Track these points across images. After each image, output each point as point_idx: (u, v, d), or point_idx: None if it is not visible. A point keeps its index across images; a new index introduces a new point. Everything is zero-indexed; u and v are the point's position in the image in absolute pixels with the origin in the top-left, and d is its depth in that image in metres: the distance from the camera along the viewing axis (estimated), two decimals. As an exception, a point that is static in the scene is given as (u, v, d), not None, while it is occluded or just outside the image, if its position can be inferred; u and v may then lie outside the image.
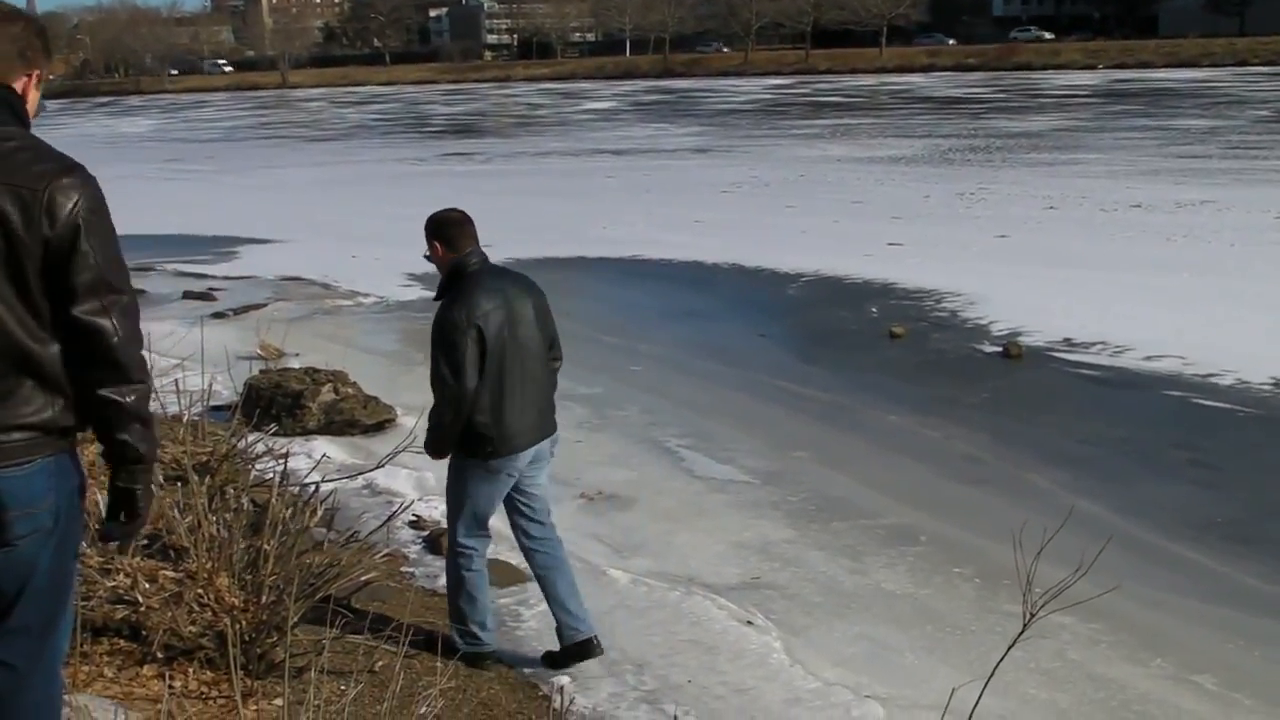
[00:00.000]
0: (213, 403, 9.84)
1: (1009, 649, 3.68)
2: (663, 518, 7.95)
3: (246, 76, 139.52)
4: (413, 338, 13.42)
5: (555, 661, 5.89)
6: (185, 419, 8.41)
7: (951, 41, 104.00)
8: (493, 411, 5.54)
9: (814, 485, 8.52)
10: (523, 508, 5.89)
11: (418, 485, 8.36)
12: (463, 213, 5.95)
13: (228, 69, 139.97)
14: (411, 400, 10.06)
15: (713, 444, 9.44)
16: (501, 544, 7.34)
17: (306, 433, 9.49)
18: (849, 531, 7.70)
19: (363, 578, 5.50)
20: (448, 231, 5.82)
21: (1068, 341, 12.16)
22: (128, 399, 2.97)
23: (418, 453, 7.74)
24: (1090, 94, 60.04)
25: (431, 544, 7.27)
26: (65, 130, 70.26)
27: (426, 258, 5.93)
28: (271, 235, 21.93)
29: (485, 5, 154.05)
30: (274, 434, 9.35)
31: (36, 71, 3.13)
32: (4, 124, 2.98)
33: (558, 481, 8.45)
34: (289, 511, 5.57)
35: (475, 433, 5.57)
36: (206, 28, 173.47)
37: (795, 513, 8.01)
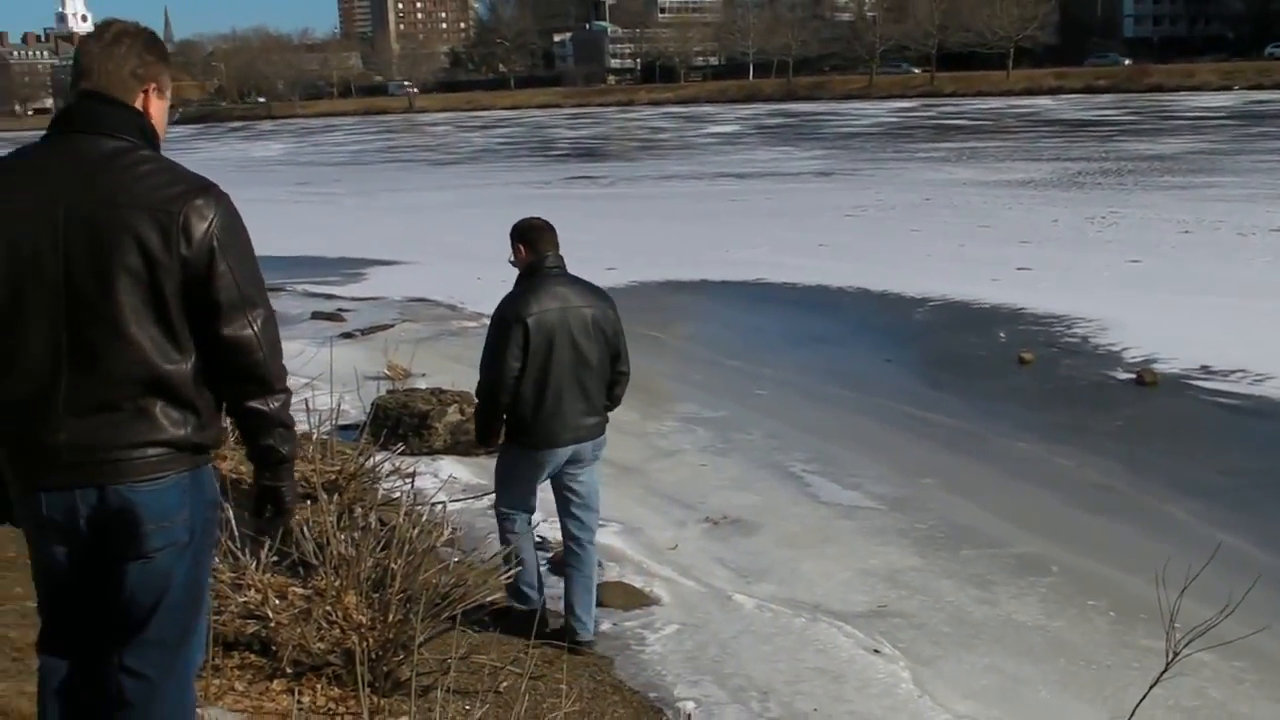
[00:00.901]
0: (341, 422, 9.96)
1: (1151, 688, 3.55)
2: (788, 543, 7.85)
3: (375, 101, 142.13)
4: (537, 359, 13.49)
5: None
6: (315, 438, 8.52)
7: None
8: (533, 406, 5.89)
9: (942, 512, 8.35)
10: (566, 502, 6.32)
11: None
12: (546, 221, 6.21)
13: (414, 90, 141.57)
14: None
15: (838, 469, 9.31)
16: (626, 566, 7.35)
17: (433, 452, 9.56)
18: (978, 560, 7.53)
19: (488, 599, 5.48)
20: (530, 235, 6.08)
21: (1205, 369, 11.81)
22: (271, 407, 3.08)
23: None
24: (1226, 115, 58.66)
25: (554, 565, 7.25)
26: (200, 154, 72.15)
27: (511, 262, 6.17)
28: (398, 257, 22.24)
29: (609, 30, 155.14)
30: (400, 453, 9.43)
31: (152, 84, 3.14)
32: (135, 147, 3.01)
33: (683, 505, 8.51)
34: (416, 531, 5.59)
35: (515, 422, 5.99)
36: (336, 54, 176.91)
37: (923, 540, 7.86)
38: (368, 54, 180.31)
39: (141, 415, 2.92)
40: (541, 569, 6.58)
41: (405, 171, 48.45)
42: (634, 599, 6.79)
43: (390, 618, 5.16)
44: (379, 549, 5.55)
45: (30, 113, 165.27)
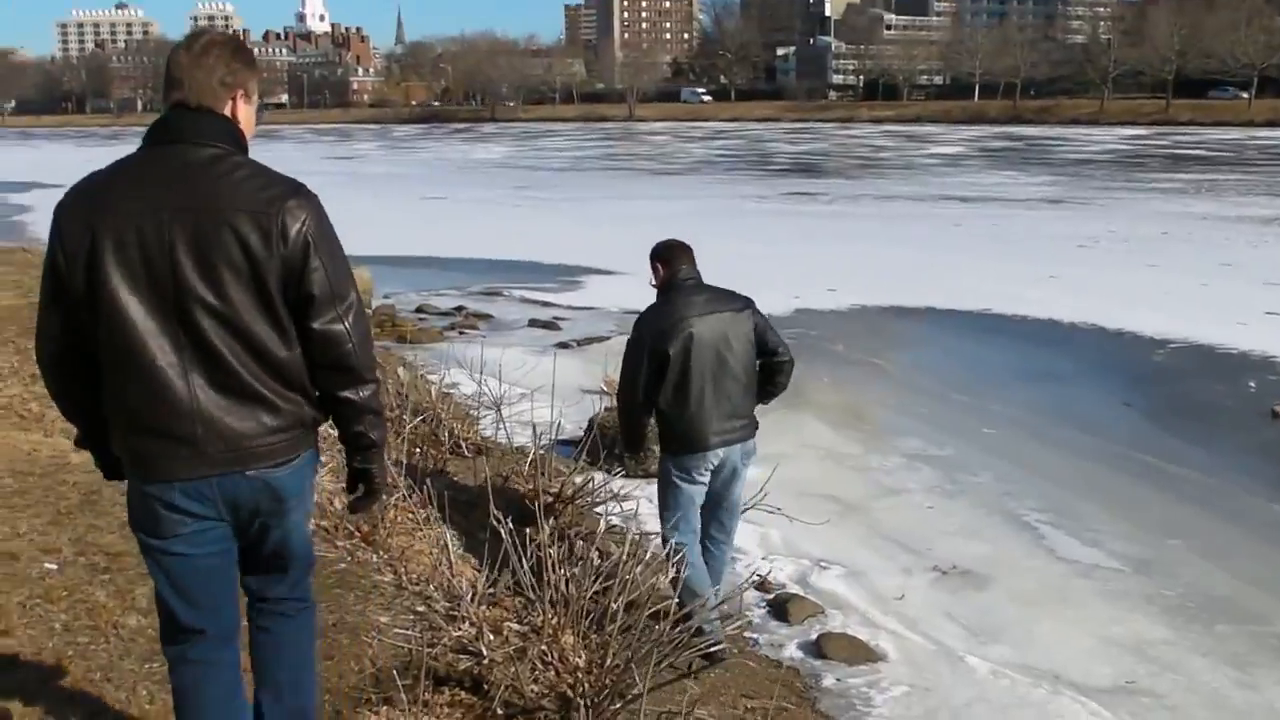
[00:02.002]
0: (558, 437, 9.79)
1: None
2: (1023, 601, 7.32)
3: (595, 108, 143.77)
4: (755, 381, 13.14)
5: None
6: (532, 454, 8.33)
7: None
8: (676, 414, 6.03)
9: (1192, 579, 7.72)
10: (711, 504, 6.23)
11: (762, 542, 8.00)
12: (681, 241, 6.39)
13: (706, 98, 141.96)
14: (761, 447, 9.84)
15: (1075, 522, 8.72)
16: (850, 615, 6.94)
17: (650, 476, 9.24)
18: (1235, 637, 6.90)
19: (714, 647, 5.14)
20: (666, 254, 6.28)
21: None
22: (361, 396, 3.28)
23: (767, 509, 7.47)
24: None
25: (777, 609, 6.89)
26: (423, 154, 74.08)
27: (652, 284, 6.37)
28: (615, 267, 22.13)
29: (833, 45, 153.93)
30: (617, 475, 9.20)
31: (240, 90, 3.28)
32: (229, 153, 3.18)
33: (910, 550, 8.06)
34: (639, 568, 5.29)
35: (661, 431, 6.19)
36: (559, 60, 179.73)
37: (1172, 609, 7.25)
38: (591, 61, 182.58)
39: (267, 402, 3.14)
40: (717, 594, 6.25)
41: (624, 180, 48.64)
42: (859, 653, 6.38)
43: (609, 661, 4.87)
44: (597, 582, 5.27)
45: (268, 107, 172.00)
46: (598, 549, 5.61)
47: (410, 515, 6.56)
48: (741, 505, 6.43)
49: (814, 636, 6.57)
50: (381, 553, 5.80)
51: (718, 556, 6.32)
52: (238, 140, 3.24)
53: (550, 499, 7.38)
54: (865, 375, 13.60)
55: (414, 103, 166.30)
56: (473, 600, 5.03)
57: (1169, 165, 52.85)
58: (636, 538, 6.07)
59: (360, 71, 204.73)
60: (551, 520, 6.85)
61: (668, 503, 6.21)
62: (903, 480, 9.67)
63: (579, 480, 8.06)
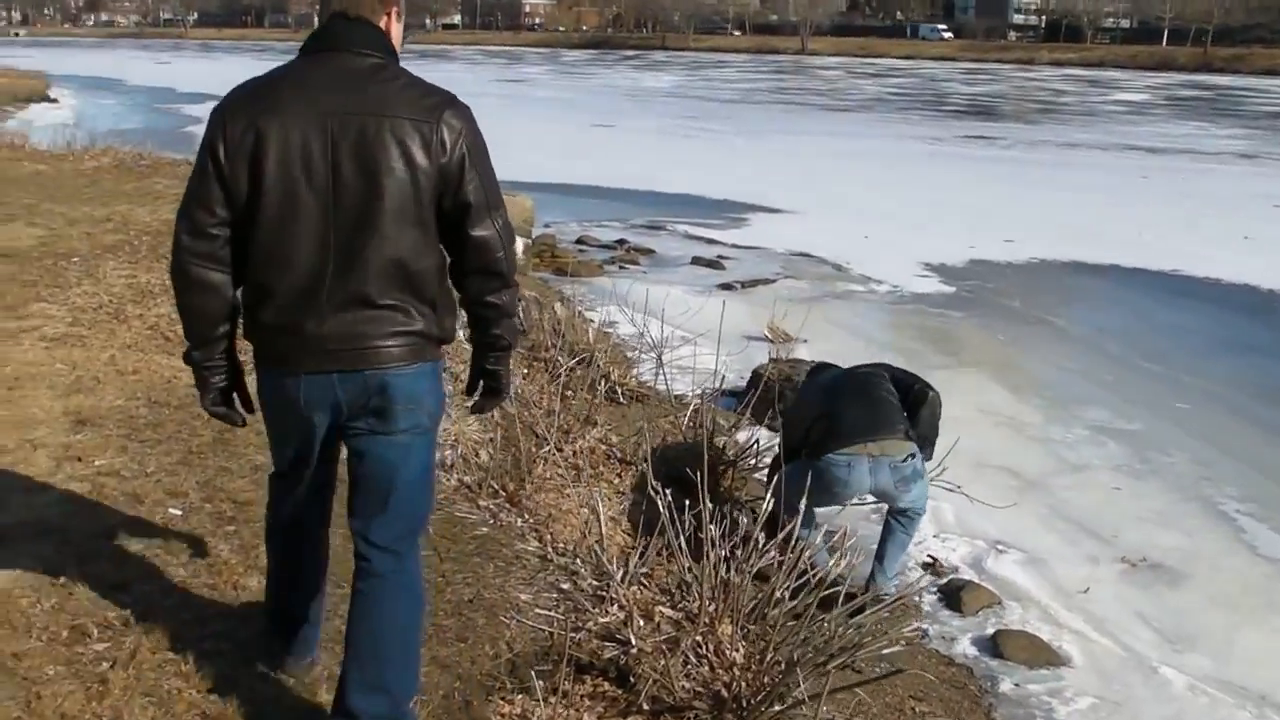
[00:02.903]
0: (719, 388, 9.29)
1: None
2: (1223, 604, 6.63)
3: (767, 40, 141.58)
4: (931, 337, 12.45)
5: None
6: (691, 409, 7.86)
7: None
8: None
9: None
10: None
11: (934, 519, 7.38)
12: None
13: (947, 34, 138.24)
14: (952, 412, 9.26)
15: (1280, 515, 7.95)
16: (1029, 609, 6.36)
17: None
18: None
19: (885, 650, 4.60)
20: None
21: None
22: (504, 300, 3.37)
23: (944, 486, 6.88)
24: None
25: (950, 597, 6.31)
26: (593, 80, 73.61)
27: None
28: (782, 205, 21.46)
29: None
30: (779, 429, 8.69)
31: (394, 8, 3.38)
32: (388, 63, 3.28)
33: (1095, 536, 7.45)
34: (806, 551, 4.77)
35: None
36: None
37: (1397, 627, 6.50)
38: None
39: (395, 309, 3.22)
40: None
41: (794, 115, 47.57)
42: (1040, 654, 5.78)
43: (768, 657, 4.37)
44: (759, 561, 4.77)
45: (439, 28, 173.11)
46: (761, 525, 5.05)
47: (559, 471, 6.12)
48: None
49: (990, 632, 5.98)
50: (526, 515, 5.36)
51: (910, 525, 6.34)
52: (393, 52, 3.34)
53: (711, 461, 6.87)
54: (1045, 335, 12.80)
55: (585, 28, 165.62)
56: (623, 580, 4.57)
57: (1374, 121, 49.93)
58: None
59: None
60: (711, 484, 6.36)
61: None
62: (1087, 456, 8.96)
63: (741, 438, 7.56)
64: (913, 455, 6.08)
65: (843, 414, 6.12)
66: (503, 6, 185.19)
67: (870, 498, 6.35)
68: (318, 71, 3.22)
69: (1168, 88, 75.12)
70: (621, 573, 4.60)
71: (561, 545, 5.05)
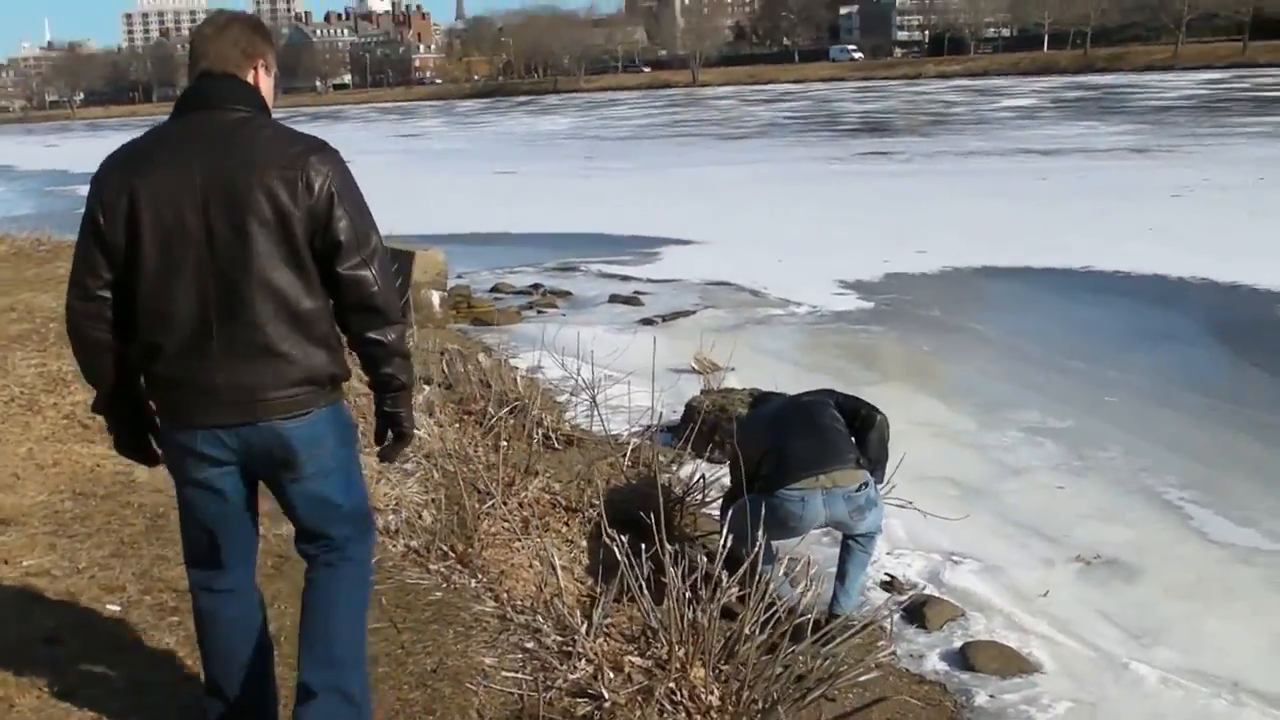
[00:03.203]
0: (647, 422, 9.20)
1: None
2: (1181, 594, 6.61)
3: (658, 75, 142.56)
4: (856, 354, 12.44)
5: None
6: (630, 450, 7.76)
7: None
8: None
9: (1367, 563, 6.98)
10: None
11: (885, 535, 7.30)
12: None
13: (857, 55, 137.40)
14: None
15: (1224, 500, 7.97)
16: (993, 619, 6.33)
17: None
18: None
19: (862, 677, 4.50)
20: None
21: None
22: (389, 338, 3.41)
23: (896, 503, 6.82)
24: None
25: (912, 613, 6.22)
26: (488, 128, 73.62)
27: None
28: (692, 236, 21.46)
29: (896, 1, 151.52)
30: (718, 461, 8.60)
31: (260, 60, 3.49)
32: (255, 116, 3.37)
33: (1046, 538, 7.41)
34: (771, 585, 4.67)
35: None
36: (621, 28, 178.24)
37: (1351, 600, 6.52)
38: (653, 28, 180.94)
39: (284, 357, 3.29)
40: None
41: (692, 146, 47.82)
42: (1011, 663, 5.70)
43: (744, 697, 4.26)
44: (724, 598, 4.66)
45: (330, 89, 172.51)
46: (721, 562, 4.94)
47: (506, 525, 5.97)
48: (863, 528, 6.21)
49: (958, 645, 5.90)
50: (479, 575, 5.20)
51: (868, 546, 6.24)
52: (261, 104, 3.44)
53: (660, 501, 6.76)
54: (968, 342, 12.85)
55: (476, 77, 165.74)
56: (588, 633, 4.43)
57: (1254, 109, 51.14)
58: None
59: (422, 49, 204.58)
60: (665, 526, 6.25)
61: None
62: (1025, 458, 8.95)
63: (685, 474, 7.47)
64: (865, 484, 6.00)
65: (791, 447, 6.03)
66: (392, 63, 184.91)
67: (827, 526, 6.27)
68: (187, 130, 3.34)
69: (1053, 90, 76.68)
70: (585, 625, 4.47)
71: (519, 602, 4.89)
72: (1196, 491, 8.12)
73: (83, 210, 3.32)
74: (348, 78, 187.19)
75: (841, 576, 6.11)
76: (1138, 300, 14.61)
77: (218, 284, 3.23)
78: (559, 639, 4.44)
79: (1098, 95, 68.79)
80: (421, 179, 35.84)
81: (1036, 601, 6.47)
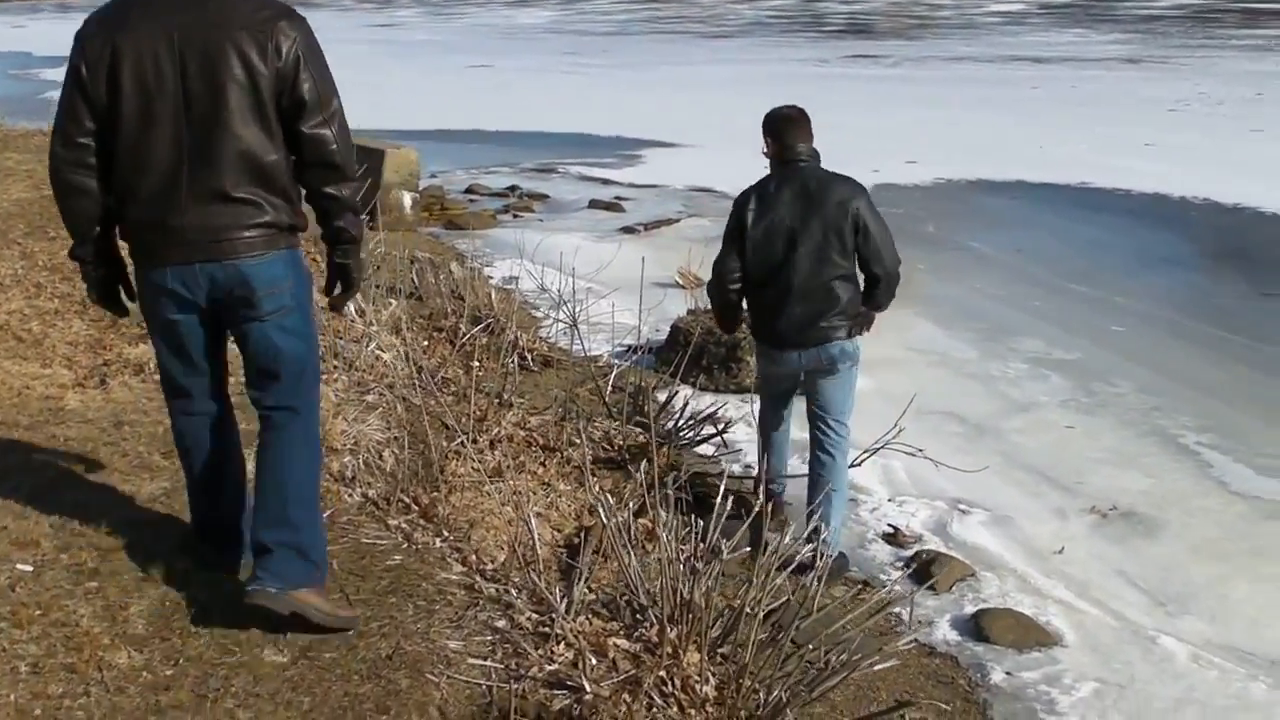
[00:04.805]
0: (630, 341, 8.62)
1: None
2: (1207, 554, 6.10)
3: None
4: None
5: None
6: (610, 376, 7.19)
7: None
8: (760, 304, 5.75)
9: (1400, 517, 6.48)
10: (810, 413, 5.81)
11: (886, 479, 6.78)
12: (797, 109, 5.84)
13: None
14: (866, 351, 8.69)
15: (1244, 444, 7.45)
16: (1006, 579, 5.81)
17: (743, 391, 8.01)
18: None
19: (877, 667, 3.96)
20: (777, 125, 5.81)
21: None
22: (344, 193, 3.65)
23: (904, 449, 6.29)
24: None
25: (920, 572, 5.68)
26: (465, 20, 71.88)
27: (764, 153, 5.88)
28: (676, 139, 20.75)
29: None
30: (705, 389, 8.06)
31: None
32: None
33: (1058, 485, 6.86)
34: (775, 559, 4.10)
35: (750, 316, 5.94)
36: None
37: (1390, 562, 6.02)
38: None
39: (249, 202, 3.51)
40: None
41: (676, 44, 46.66)
42: (1028, 634, 5.18)
43: (745, 685, 3.72)
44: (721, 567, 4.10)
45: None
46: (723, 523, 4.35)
47: (475, 464, 5.38)
48: (843, 409, 5.77)
49: (970, 611, 5.37)
50: (445, 531, 4.61)
51: (832, 467, 5.70)
52: None
53: (643, 438, 6.19)
54: (966, 262, 12.26)
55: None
56: (568, 610, 3.87)
57: (1245, 20, 50.26)
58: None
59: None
60: (645, 464, 5.68)
61: (759, 385, 6.16)
62: (1032, 392, 8.41)
63: (675, 404, 6.90)
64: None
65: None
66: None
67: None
68: None
69: (1042, -4, 75.22)
70: (565, 602, 3.90)
71: (490, 568, 4.31)
72: (1214, 435, 7.60)
73: (49, 97, 3.41)
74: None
75: (813, 499, 5.63)
76: (1140, 220, 14.04)
77: (190, 135, 3.45)
78: (534, 616, 3.88)
79: (1086, 3, 67.50)
80: (394, 72, 34.72)
81: (1052, 559, 5.95)
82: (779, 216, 5.56)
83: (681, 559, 4.05)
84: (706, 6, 75.97)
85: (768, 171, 5.80)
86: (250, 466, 3.94)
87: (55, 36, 57.46)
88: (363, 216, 3.80)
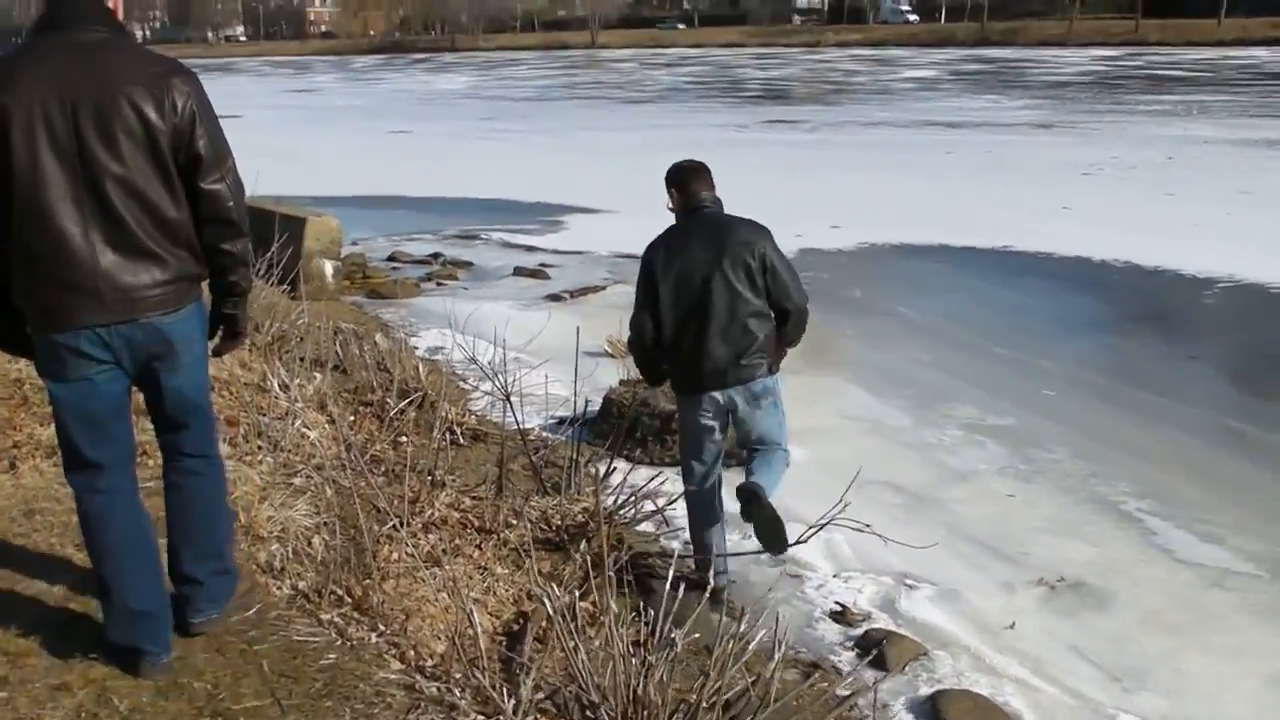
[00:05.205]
0: (561, 413, 8.45)
1: None
2: (1157, 625, 6.01)
3: (557, 36, 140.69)
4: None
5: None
6: (540, 445, 6.98)
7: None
8: (678, 350, 5.79)
9: (1345, 585, 6.44)
10: (744, 445, 6.06)
11: (829, 553, 6.64)
12: (698, 162, 6.15)
13: (913, 18, 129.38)
14: (799, 420, 8.50)
15: (1181, 510, 7.41)
16: (959, 658, 5.65)
17: (678, 463, 7.83)
18: None
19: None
20: (681, 178, 6.02)
21: None
22: (238, 248, 3.70)
23: (851, 525, 6.14)
24: None
25: (868, 651, 5.52)
26: (384, 85, 71.83)
27: (669, 208, 6.07)
28: (597, 205, 20.65)
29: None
30: (640, 461, 7.89)
31: None
32: (117, 37, 3.55)
33: (1002, 556, 6.81)
34: (735, 645, 3.92)
35: (670, 365, 5.94)
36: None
37: (1340, 631, 5.96)
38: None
39: (158, 258, 3.52)
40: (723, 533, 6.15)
41: (594, 109, 46.77)
42: (986, 717, 5.03)
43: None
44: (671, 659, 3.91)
45: (222, 40, 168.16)
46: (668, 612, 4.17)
47: (409, 549, 5.16)
48: (779, 435, 5.99)
49: (925, 693, 5.22)
50: (381, 624, 4.38)
51: (764, 470, 5.85)
52: (120, 26, 3.63)
53: (582, 517, 6.00)
54: (892, 327, 12.22)
55: (372, 33, 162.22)
56: (516, 711, 3.65)
57: (1150, 86, 51.30)
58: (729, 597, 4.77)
59: (317, 2, 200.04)
60: (584, 544, 5.50)
61: (681, 444, 6.17)
62: (969, 460, 8.33)
63: (615, 479, 6.72)
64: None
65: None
66: (287, 15, 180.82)
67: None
68: (51, 49, 3.46)
69: (952, 63, 76.65)
70: (512, 702, 3.69)
71: (430, 664, 4.09)
72: (1153, 501, 7.56)
73: None
74: (240, 29, 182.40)
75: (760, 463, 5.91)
76: (1062, 283, 14.10)
77: (91, 193, 3.42)
78: (481, 718, 3.66)
79: (995, 69, 68.81)
80: (314, 136, 34.50)
81: (1003, 635, 5.83)
82: (689, 261, 5.71)
83: (632, 651, 3.85)
84: (624, 73, 76.59)
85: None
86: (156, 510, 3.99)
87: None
88: (250, 267, 3.86)
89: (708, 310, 5.67)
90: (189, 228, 3.58)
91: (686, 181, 5.98)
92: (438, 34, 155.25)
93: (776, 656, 4.03)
